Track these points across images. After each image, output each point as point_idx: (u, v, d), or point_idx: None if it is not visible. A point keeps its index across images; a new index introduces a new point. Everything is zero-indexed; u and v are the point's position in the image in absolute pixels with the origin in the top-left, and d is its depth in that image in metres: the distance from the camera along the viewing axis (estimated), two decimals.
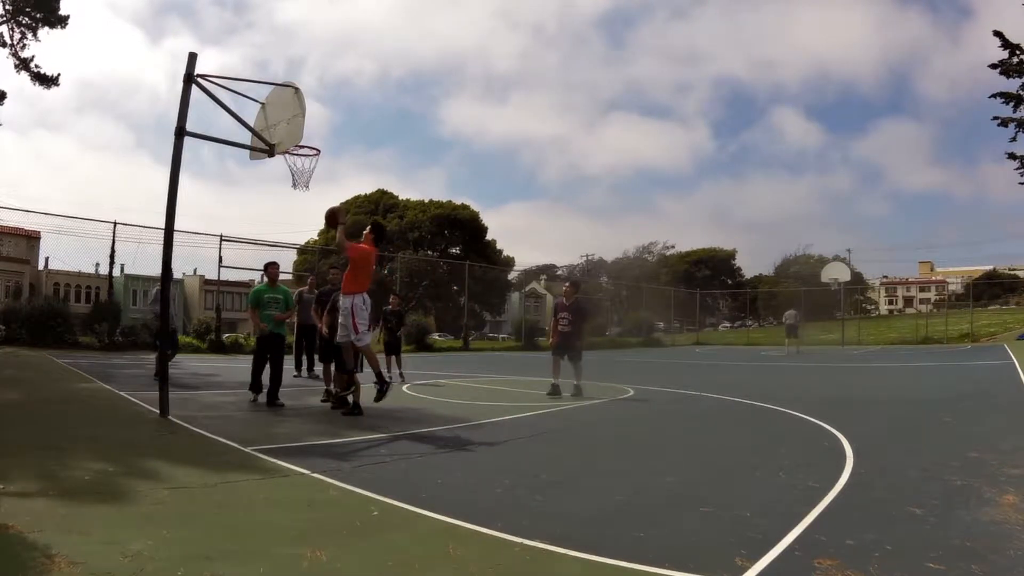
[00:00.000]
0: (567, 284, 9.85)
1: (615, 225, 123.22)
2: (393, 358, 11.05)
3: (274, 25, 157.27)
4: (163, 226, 6.47)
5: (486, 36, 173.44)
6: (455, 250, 46.49)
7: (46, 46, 21.33)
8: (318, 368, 10.23)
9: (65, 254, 39.49)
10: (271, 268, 8.01)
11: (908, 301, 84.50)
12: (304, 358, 11.42)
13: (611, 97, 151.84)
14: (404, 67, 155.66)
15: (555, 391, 8.44)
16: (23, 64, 19.07)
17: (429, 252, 44.73)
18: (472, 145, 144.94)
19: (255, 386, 7.57)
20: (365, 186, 62.54)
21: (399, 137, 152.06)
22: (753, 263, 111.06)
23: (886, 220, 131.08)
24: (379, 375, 6.72)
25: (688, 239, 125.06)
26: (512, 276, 48.54)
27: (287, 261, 35.66)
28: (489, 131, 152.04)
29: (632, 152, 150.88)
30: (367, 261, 6.65)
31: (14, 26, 18.76)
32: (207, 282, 44.51)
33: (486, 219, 48.87)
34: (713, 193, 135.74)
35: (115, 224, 16.50)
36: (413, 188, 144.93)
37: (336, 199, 45.63)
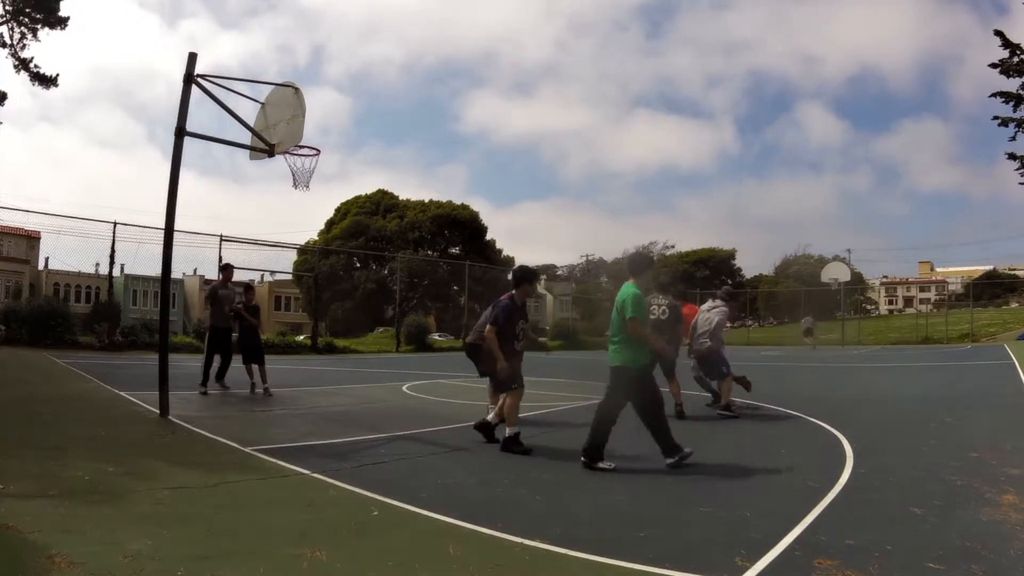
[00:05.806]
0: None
1: (633, 223, 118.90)
2: (256, 367, 8.70)
3: (299, 7, 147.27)
4: (163, 226, 6.49)
5: (520, 22, 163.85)
6: (455, 250, 46.54)
7: (50, 35, 20.69)
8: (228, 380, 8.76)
9: (65, 254, 39.56)
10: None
11: (908, 301, 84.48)
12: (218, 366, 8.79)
13: (640, 91, 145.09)
14: (434, 55, 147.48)
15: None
16: (23, 64, 19.07)
17: (429, 252, 44.74)
18: (493, 140, 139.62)
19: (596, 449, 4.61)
20: (380, 183, 62.11)
21: (420, 130, 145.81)
22: (763, 263, 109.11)
23: (902, 219, 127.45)
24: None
25: (702, 238, 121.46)
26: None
27: (287, 261, 35.65)
28: (512, 125, 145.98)
29: (656, 149, 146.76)
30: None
31: (14, 26, 18.76)
32: (207, 282, 44.51)
33: (500, 217, 48.87)
34: (733, 191, 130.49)
35: (115, 224, 16.50)
36: (430, 186, 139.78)
37: (342, 197, 45.79)
